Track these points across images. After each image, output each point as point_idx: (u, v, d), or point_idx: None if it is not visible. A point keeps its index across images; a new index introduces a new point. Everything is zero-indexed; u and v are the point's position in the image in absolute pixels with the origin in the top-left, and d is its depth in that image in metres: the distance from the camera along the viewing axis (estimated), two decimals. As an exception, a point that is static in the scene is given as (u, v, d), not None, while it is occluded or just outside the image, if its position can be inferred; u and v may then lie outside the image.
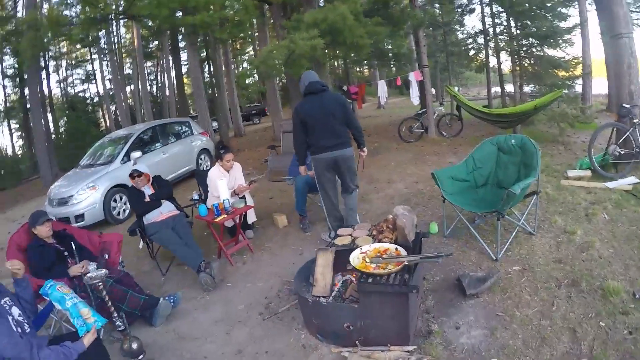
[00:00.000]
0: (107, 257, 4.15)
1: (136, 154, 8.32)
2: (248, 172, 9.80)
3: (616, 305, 3.09)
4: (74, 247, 3.92)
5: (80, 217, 7.17)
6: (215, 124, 18.37)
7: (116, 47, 25.44)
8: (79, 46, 26.14)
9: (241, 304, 3.94)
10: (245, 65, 32.92)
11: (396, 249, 3.28)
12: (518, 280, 3.66)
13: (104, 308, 3.24)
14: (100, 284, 3.18)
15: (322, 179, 4.72)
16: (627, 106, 5.96)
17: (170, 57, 23.06)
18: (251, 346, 3.34)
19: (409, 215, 3.41)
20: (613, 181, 5.56)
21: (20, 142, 28.36)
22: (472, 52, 18.60)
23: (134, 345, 3.23)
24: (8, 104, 25.39)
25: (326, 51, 8.64)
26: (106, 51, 21.62)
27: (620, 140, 6.04)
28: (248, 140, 17.43)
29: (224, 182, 5.07)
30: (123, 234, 4.79)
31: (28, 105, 19.36)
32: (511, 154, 4.54)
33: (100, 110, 31.55)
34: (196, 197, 5.31)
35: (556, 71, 11.79)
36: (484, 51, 16.41)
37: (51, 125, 24.60)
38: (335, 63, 28.82)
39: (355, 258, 3.27)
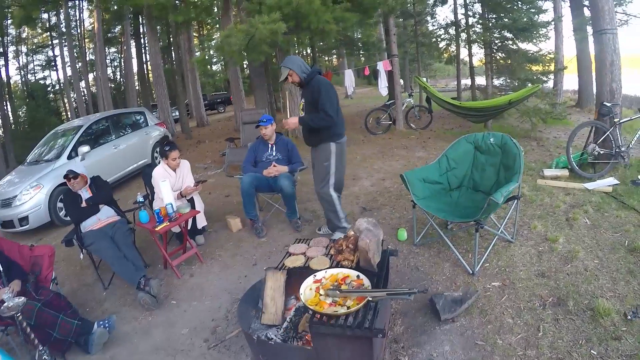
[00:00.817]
0: (38, 273, 3.69)
1: (84, 148, 7.66)
2: (206, 166, 9.41)
3: (607, 329, 2.76)
4: (0, 266, 3.43)
5: (24, 220, 6.55)
6: (176, 114, 17.68)
7: (78, 31, 24.14)
8: (40, 30, 25.07)
9: (185, 328, 3.53)
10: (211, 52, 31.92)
11: (358, 276, 2.70)
12: (498, 299, 3.25)
13: (29, 340, 2.92)
14: (19, 315, 2.81)
15: (339, 165, 4.37)
16: (608, 105, 5.72)
17: (133, 43, 21.99)
18: None
19: (374, 231, 2.86)
20: (592, 182, 5.34)
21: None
22: (442, 44, 18.47)
23: None
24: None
25: (289, 37, 8.03)
26: (66, 36, 20.42)
27: (600, 140, 5.78)
28: (211, 130, 16.79)
29: (167, 184, 4.54)
30: (56, 246, 4.30)
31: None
32: (490, 154, 4.10)
33: (62, 99, 29.85)
34: (141, 199, 4.71)
35: (529, 65, 11.51)
36: (454, 43, 16.16)
37: (10, 114, 23.66)
38: (304, 51, 28.14)
39: (307, 289, 2.70)
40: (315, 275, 2.78)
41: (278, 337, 2.72)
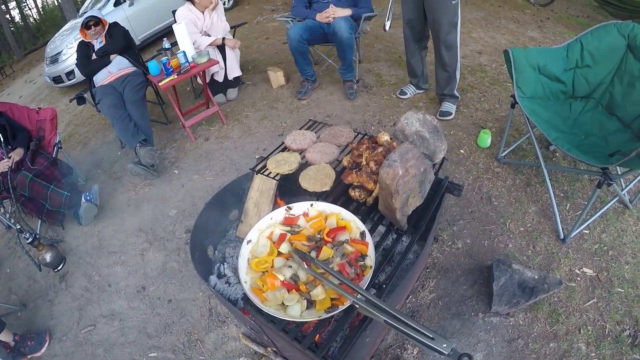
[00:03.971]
0: (42, 138, 3.53)
1: None
2: (274, 8, 8.14)
3: None
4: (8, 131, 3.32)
5: (70, 74, 6.19)
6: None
7: None
8: None
9: (175, 208, 3.15)
10: None
11: (362, 235, 1.54)
12: (583, 300, 2.09)
13: (28, 205, 3.10)
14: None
15: None
16: None
17: None
18: (157, 285, 2.62)
19: (427, 146, 1.62)
20: None
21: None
22: None
23: (47, 257, 2.76)
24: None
25: None
26: None
27: None
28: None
29: (183, 27, 3.65)
30: (62, 108, 4.31)
31: None
32: None
33: None
34: (167, 45, 3.86)
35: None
36: None
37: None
38: None
39: (262, 232, 1.63)
40: (289, 208, 1.67)
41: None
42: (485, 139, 3.12)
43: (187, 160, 3.62)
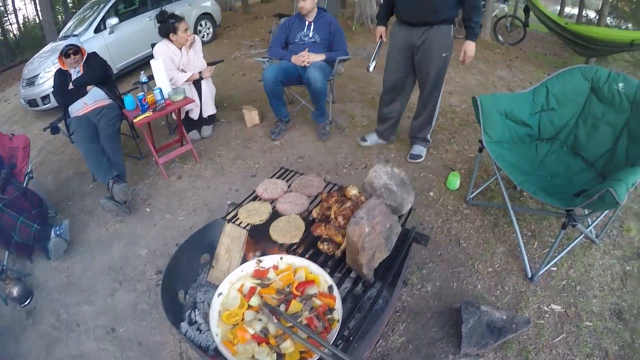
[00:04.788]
0: (14, 166, 3.45)
1: (112, 20, 6.84)
2: (252, 44, 8.29)
3: None
4: None
5: (46, 98, 6.08)
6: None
7: None
8: None
9: (146, 248, 3.09)
10: None
11: (330, 289, 1.57)
12: (552, 336, 2.15)
13: None
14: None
15: None
16: None
17: None
18: (127, 326, 2.54)
19: (394, 198, 1.68)
20: None
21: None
22: None
23: (15, 291, 2.75)
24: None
25: None
26: None
27: None
28: (275, 6, 15.09)
29: (160, 63, 3.66)
30: (35, 133, 4.20)
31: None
32: (612, 107, 2.64)
33: None
34: (144, 79, 3.84)
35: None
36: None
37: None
38: None
39: (233, 284, 1.64)
40: (259, 261, 1.69)
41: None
42: (454, 181, 3.20)
43: (159, 198, 3.57)
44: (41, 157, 4.74)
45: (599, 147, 2.67)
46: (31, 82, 6.15)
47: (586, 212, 2.41)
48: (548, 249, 2.43)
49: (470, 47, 3.01)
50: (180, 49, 3.94)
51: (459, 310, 2.13)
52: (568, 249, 2.57)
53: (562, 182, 2.55)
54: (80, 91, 3.82)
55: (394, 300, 1.98)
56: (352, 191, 1.84)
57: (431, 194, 3.21)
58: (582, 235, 2.64)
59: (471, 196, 3.06)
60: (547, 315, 2.24)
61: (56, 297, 2.84)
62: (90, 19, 6.94)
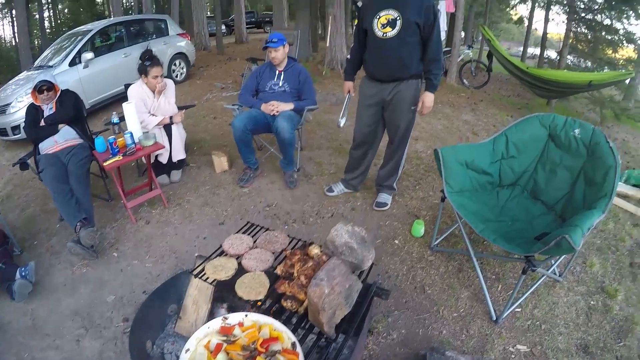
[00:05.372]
0: None
1: (88, 55, 6.87)
2: (224, 86, 8.41)
3: None
4: None
5: (16, 128, 6.02)
6: (223, 28, 16.76)
7: None
8: None
9: (113, 294, 3.00)
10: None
11: (293, 346, 1.57)
12: None
13: None
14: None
15: None
16: None
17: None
18: None
19: (355, 256, 1.75)
20: None
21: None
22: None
23: None
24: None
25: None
26: None
27: None
28: (248, 48, 15.60)
29: (132, 107, 3.68)
30: (2, 163, 4.09)
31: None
32: (569, 153, 2.81)
33: (108, 4, 28.30)
34: (116, 119, 3.86)
35: (609, 49, 9.68)
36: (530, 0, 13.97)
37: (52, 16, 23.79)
38: None
39: (200, 341, 1.63)
40: (225, 318, 1.70)
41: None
42: (419, 229, 3.28)
43: (127, 243, 3.52)
44: (8, 190, 4.64)
45: (557, 191, 2.81)
46: (2, 110, 6.09)
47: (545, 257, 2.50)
48: (512, 291, 2.49)
49: (429, 98, 3.13)
50: (153, 91, 3.99)
51: (424, 357, 2.15)
52: (532, 289, 2.66)
53: (523, 226, 2.65)
54: (51, 129, 3.78)
55: (359, 349, 1.99)
56: (314, 250, 1.92)
57: (396, 241, 3.27)
58: (544, 278, 2.74)
59: (435, 243, 3.13)
60: (513, 356, 2.29)
61: (20, 340, 2.73)
62: (67, 50, 6.97)
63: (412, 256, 3.11)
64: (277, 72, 4.04)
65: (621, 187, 4.38)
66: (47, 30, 21.87)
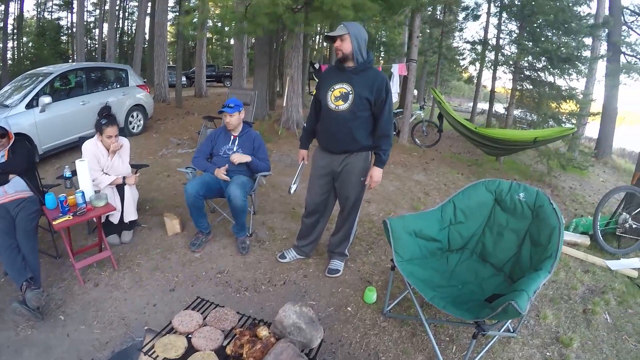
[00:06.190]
0: None
1: (45, 99, 6.71)
2: (180, 142, 8.39)
3: None
4: None
5: None
6: (183, 79, 16.98)
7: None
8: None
9: None
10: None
11: None
12: None
13: None
14: None
15: None
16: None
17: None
18: None
19: (304, 335, 1.80)
20: (615, 260, 4.37)
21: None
22: (466, 61, 17.65)
23: None
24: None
25: (297, 15, 6.94)
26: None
27: (636, 212, 4.76)
28: (206, 103, 15.80)
29: (85, 165, 3.61)
30: None
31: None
32: (515, 216, 2.99)
33: (72, 43, 28.65)
34: (68, 174, 3.76)
35: (555, 103, 10.33)
36: (479, 62, 14.90)
37: (16, 50, 24.36)
38: (313, 38, 26.38)
39: None
40: None
41: None
42: (371, 295, 3.30)
43: (74, 306, 3.32)
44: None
45: (505, 253, 2.95)
46: None
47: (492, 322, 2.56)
48: (466, 352, 2.52)
49: (377, 173, 3.24)
50: (108, 149, 3.95)
51: None
52: (486, 348, 2.72)
53: (473, 288, 2.75)
54: (1, 178, 3.65)
55: None
56: (263, 332, 1.94)
57: (349, 308, 3.27)
58: (497, 337, 2.82)
59: (388, 309, 3.15)
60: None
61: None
62: (25, 91, 6.83)
63: (365, 323, 3.10)
64: (232, 137, 4.12)
65: (570, 236, 4.71)
66: (9, 62, 21.79)
